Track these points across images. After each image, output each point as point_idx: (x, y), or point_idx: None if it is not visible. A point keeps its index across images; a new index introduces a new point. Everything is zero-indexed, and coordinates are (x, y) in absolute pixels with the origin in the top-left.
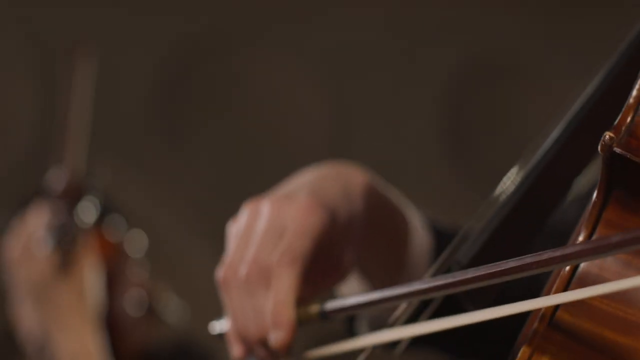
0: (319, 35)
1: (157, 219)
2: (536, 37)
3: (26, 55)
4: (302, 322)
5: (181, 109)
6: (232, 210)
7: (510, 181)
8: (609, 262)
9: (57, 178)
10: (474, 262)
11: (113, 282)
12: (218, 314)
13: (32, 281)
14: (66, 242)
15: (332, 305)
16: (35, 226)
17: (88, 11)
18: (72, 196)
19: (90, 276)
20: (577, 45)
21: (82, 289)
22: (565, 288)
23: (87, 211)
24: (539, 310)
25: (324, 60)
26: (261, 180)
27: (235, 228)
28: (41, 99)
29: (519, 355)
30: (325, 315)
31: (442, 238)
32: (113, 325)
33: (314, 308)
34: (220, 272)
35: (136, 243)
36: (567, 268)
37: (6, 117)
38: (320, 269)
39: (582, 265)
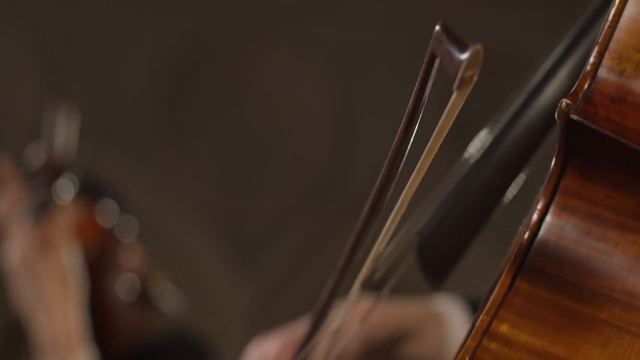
0: (323, 33)
1: (160, 210)
2: (539, 30)
3: (26, 49)
4: None
5: (186, 104)
6: (233, 203)
7: (471, 154)
8: (568, 229)
9: (37, 153)
10: (433, 235)
11: (104, 267)
12: (211, 302)
13: (18, 258)
14: (45, 218)
15: None
16: (14, 202)
17: (97, 8)
18: (51, 172)
19: (69, 255)
20: None
21: (61, 268)
22: (524, 257)
23: (66, 188)
24: (498, 278)
25: (327, 57)
26: (262, 174)
27: None
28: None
29: (477, 323)
30: None
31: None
32: (104, 309)
33: None
34: None
35: (128, 228)
36: (526, 236)
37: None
38: None
39: (541, 233)
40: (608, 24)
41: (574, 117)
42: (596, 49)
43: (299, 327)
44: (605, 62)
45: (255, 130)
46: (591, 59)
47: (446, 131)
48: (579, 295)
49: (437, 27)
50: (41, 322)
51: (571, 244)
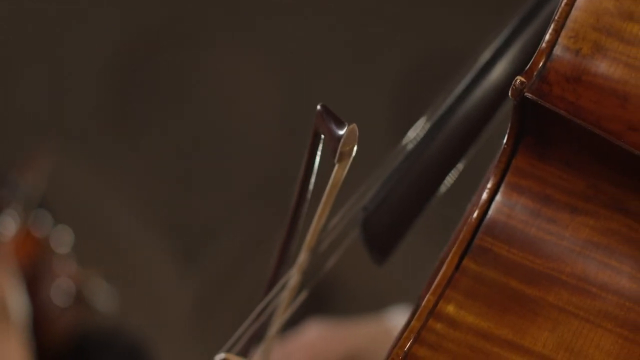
0: (274, 31)
1: (104, 203)
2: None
3: None
4: None
5: (134, 97)
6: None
7: (417, 132)
8: (518, 209)
9: None
10: (379, 209)
11: (38, 278)
12: (149, 302)
13: None
14: None
15: None
16: None
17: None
18: None
19: (10, 287)
20: None
21: (2, 301)
22: (473, 236)
23: (7, 224)
24: (445, 258)
25: (278, 56)
26: (207, 170)
27: None
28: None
29: (423, 303)
30: None
31: None
32: (40, 318)
33: None
34: None
35: (63, 238)
36: (475, 215)
37: None
38: None
39: (490, 212)
40: (565, 1)
41: (528, 95)
42: (552, 26)
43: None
44: (562, 40)
45: (203, 125)
46: (547, 37)
47: (333, 199)
48: (527, 278)
49: (318, 107)
50: None
51: (521, 224)
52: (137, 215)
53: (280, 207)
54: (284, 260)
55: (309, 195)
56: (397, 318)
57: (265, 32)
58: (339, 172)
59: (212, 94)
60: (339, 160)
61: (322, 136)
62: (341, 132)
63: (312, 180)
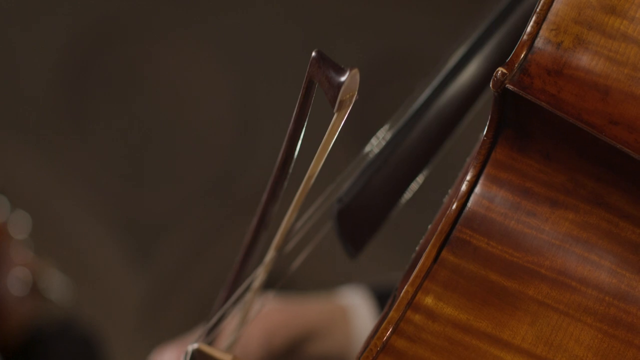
0: (229, 28)
1: (57, 197)
2: (443, 31)
3: None
4: None
5: (86, 92)
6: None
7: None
8: (497, 202)
9: None
10: (354, 202)
11: None
12: (103, 291)
13: None
14: None
15: None
16: None
17: None
18: None
19: None
20: None
21: None
22: (452, 227)
23: None
24: (423, 249)
25: (231, 53)
26: (161, 165)
27: None
28: None
29: (402, 294)
30: None
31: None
32: None
33: None
34: None
35: (20, 224)
36: (454, 207)
37: None
38: None
39: (469, 205)
40: None
41: (510, 87)
42: (534, 18)
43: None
44: (543, 32)
45: (155, 121)
46: (528, 29)
47: (328, 149)
48: (506, 271)
49: (314, 54)
50: None
51: (500, 217)
52: (88, 210)
53: (233, 203)
54: (260, 233)
55: (296, 152)
56: (350, 297)
57: (217, 26)
58: (336, 123)
59: (164, 89)
60: (339, 109)
61: (316, 85)
62: (342, 79)
63: (302, 135)
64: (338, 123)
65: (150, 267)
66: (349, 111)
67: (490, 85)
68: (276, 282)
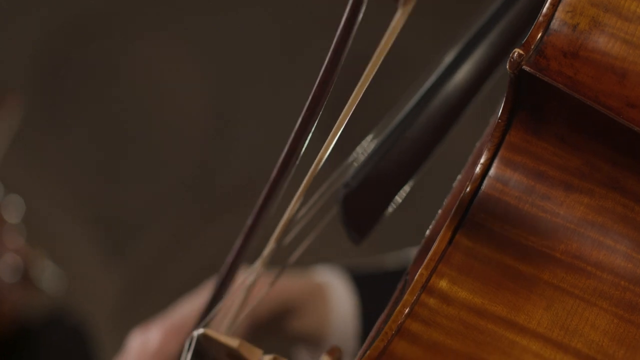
0: (200, 16)
1: (33, 193)
2: (429, 33)
3: None
4: None
5: (62, 89)
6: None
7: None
8: (512, 185)
9: None
10: (361, 187)
11: None
12: (79, 289)
13: None
14: None
15: None
16: None
17: None
18: None
19: None
20: None
21: None
22: (465, 211)
23: None
24: (436, 232)
25: (206, 40)
26: (137, 161)
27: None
28: None
29: (416, 277)
30: None
31: (365, 281)
32: None
33: None
34: None
35: (13, 208)
36: (468, 190)
37: None
38: None
39: (483, 188)
40: None
41: (526, 68)
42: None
43: (179, 312)
44: (559, 14)
45: (131, 116)
46: (544, 10)
47: (387, 50)
48: (521, 254)
49: None
50: None
51: (514, 200)
52: (63, 206)
53: (210, 199)
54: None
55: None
56: (326, 276)
57: (194, 22)
58: (400, 19)
59: (141, 85)
60: (404, 4)
61: None
62: None
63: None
64: (401, 20)
65: (127, 265)
66: (412, 7)
67: (507, 67)
68: (277, 271)
